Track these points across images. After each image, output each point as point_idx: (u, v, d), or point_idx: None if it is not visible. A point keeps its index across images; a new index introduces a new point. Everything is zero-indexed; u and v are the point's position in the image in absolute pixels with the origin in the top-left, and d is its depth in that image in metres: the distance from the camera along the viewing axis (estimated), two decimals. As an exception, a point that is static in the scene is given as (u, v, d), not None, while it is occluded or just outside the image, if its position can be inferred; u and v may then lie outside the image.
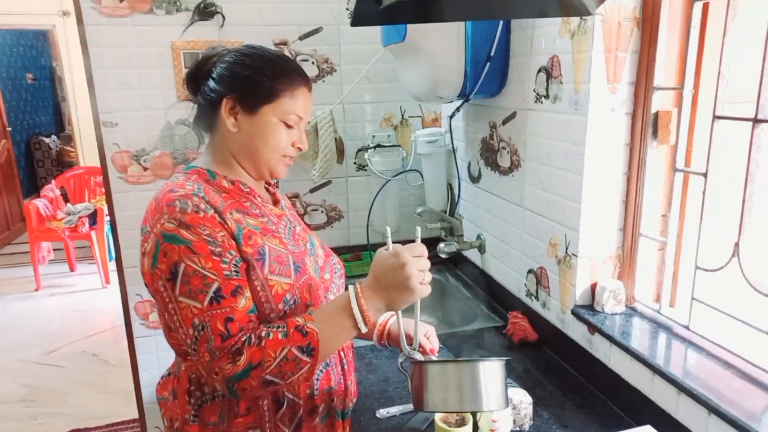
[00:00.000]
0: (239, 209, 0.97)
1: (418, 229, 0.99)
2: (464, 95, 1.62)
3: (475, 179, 1.86)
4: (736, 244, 1.03)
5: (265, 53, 1.01)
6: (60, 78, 6.34)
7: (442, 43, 1.55)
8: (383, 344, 1.18)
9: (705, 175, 1.10)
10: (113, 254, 2.00)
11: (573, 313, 1.35)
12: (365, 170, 2.09)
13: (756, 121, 0.98)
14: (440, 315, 2.00)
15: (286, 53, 1.88)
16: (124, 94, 1.83)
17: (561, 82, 1.32)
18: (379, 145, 2.03)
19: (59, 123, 7.38)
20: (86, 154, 5.71)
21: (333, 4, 1.93)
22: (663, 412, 1.08)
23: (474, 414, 1.06)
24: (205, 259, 0.88)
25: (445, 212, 2.05)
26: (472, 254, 1.93)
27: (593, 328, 1.28)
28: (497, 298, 1.77)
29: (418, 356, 1.04)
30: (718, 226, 1.10)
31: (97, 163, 1.92)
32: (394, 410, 1.24)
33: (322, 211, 2.11)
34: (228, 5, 1.85)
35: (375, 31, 1.81)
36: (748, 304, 1.02)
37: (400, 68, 1.79)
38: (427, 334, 1.16)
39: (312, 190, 2.08)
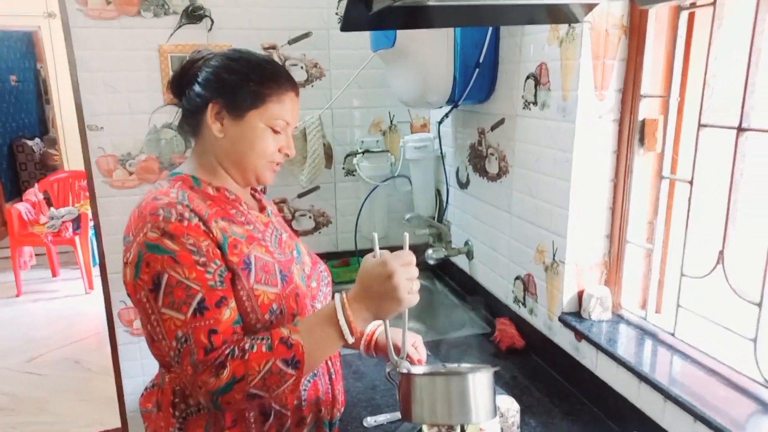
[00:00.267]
0: (225, 217, 0.96)
1: (407, 235, 0.96)
2: (453, 101, 1.62)
3: (463, 185, 1.86)
4: (721, 252, 1.04)
5: (252, 57, 1.00)
6: (44, 80, 6.26)
7: (432, 49, 1.55)
8: (370, 354, 1.17)
9: (691, 182, 1.11)
10: (97, 259, 1.97)
11: (560, 320, 1.35)
12: (353, 176, 2.08)
13: (740, 129, 0.99)
14: (428, 321, 1.99)
15: (275, 58, 1.88)
16: (110, 98, 1.81)
17: (549, 89, 1.33)
18: (367, 151, 2.03)
19: (43, 126, 7.28)
20: (70, 158, 5.63)
21: (323, 8, 1.93)
22: (649, 419, 1.08)
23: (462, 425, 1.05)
24: (188, 270, 0.86)
25: (434, 218, 2.05)
26: (460, 260, 1.93)
27: (580, 335, 1.28)
28: (485, 304, 1.76)
29: (406, 366, 1.02)
30: (703, 233, 1.11)
31: (81, 167, 1.89)
32: (382, 419, 1.23)
33: (310, 217, 2.10)
34: (217, 9, 1.83)
35: (364, 37, 1.81)
36: (732, 311, 1.03)
37: (390, 74, 1.79)
38: (414, 344, 1.15)
39: (300, 195, 2.07)
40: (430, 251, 1.88)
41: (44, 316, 4.04)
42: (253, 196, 1.11)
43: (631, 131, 1.23)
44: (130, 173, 1.88)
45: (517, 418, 1.14)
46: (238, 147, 0.98)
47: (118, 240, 1.93)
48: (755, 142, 0.99)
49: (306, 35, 1.94)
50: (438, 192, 2.06)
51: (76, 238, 4.34)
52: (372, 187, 2.00)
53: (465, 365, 1.05)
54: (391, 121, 2.10)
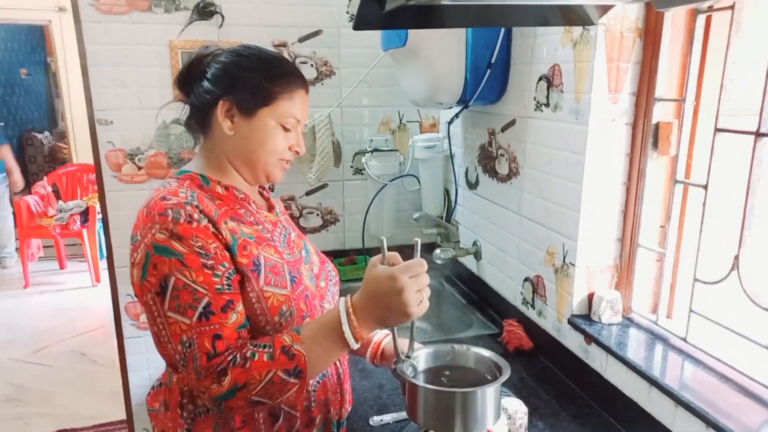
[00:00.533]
0: (234, 217, 0.94)
1: (418, 241, 0.91)
2: (464, 102, 1.61)
3: (472, 186, 1.85)
4: (736, 257, 1.03)
5: (262, 54, 0.98)
6: (54, 74, 6.28)
7: (443, 50, 1.54)
8: (376, 363, 1.14)
9: (705, 187, 1.10)
10: (104, 252, 1.97)
11: (569, 322, 1.34)
12: (362, 174, 2.08)
13: (758, 134, 0.98)
14: (435, 321, 1.99)
15: (285, 55, 1.87)
16: (120, 92, 1.81)
17: (562, 91, 1.32)
18: (376, 150, 2.03)
19: (53, 119, 7.31)
20: (79, 152, 5.64)
21: (333, 6, 1.92)
22: (660, 424, 1.07)
23: None
24: (196, 273, 0.85)
25: (442, 218, 2.04)
26: (468, 261, 1.92)
27: (590, 338, 1.27)
28: (492, 305, 1.76)
29: (412, 365, 0.99)
30: (718, 238, 1.10)
31: (90, 161, 1.89)
32: (388, 418, 1.22)
33: (317, 214, 2.10)
34: (227, 5, 1.83)
35: (375, 36, 1.80)
36: (747, 317, 1.02)
37: (400, 73, 1.78)
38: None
39: (308, 193, 2.07)
40: (437, 251, 1.87)
41: (51, 308, 4.06)
42: (261, 194, 1.10)
43: (645, 134, 1.22)
44: (139, 168, 1.89)
45: (524, 420, 1.13)
46: (248, 145, 0.97)
47: (125, 234, 1.94)
48: (773, 147, 0.98)
49: (316, 33, 1.93)
50: (447, 192, 2.05)
51: (84, 231, 4.36)
52: (380, 185, 2.00)
53: (475, 350, 1.04)
54: (401, 121, 2.10)
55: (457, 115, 1.83)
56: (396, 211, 2.11)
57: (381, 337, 1.14)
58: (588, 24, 1.07)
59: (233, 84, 0.94)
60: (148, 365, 2.00)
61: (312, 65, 1.96)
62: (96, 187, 1.92)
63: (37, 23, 5.81)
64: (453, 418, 0.91)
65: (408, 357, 0.98)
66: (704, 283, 1.11)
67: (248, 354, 0.85)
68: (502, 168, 1.63)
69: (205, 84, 0.96)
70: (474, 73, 1.56)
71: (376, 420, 1.22)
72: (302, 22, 1.92)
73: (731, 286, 1.04)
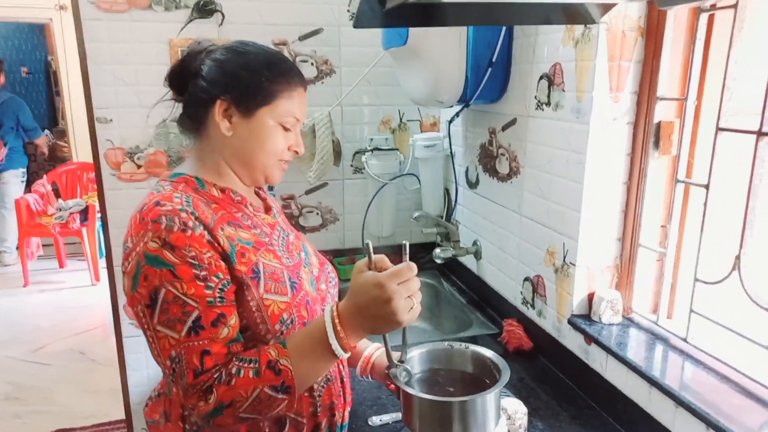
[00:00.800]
0: (231, 221, 0.91)
1: (406, 244, 0.86)
2: (464, 100, 1.61)
3: (472, 185, 1.85)
4: (737, 257, 1.02)
5: (260, 51, 0.95)
6: (55, 72, 6.28)
7: (444, 48, 1.54)
8: (365, 377, 1.12)
9: (707, 186, 1.10)
10: (104, 251, 1.97)
11: (569, 322, 1.34)
12: (362, 173, 2.07)
13: (760, 134, 0.97)
14: (434, 321, 1.98)
15: (286, 54, 1.87)
16: (119, 91, 1.81)
17: (563, 90, 1.31)
18: (376, 149, 2.02)
19: (53, 117, 7.31)
20: (79, 150, 5.64)
21: (334, 5, 1.92)
22: (660, 425, 1.07)
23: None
24: (187, 285, 0.81)
25: (442, 217, 2.03)
26: (468, 260, 1.92)
27: (590, 338, 1.27)
28: (492, 305, 1.75)
29: (405, 371, 0.95)
30: (719, 238, 1.09)
31: (90, 159, 1.89)
32: (387, 418, 1.22)
33: (317, 213, 2.09)
34: (228, 3, 1.83)
35: (376, 34, 1.79)
36: (747, 317, 1.02)
37: (401, 72, 1.78)
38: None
39: (307, 192, 2.06)
40: (437, 250, 1.87)
41: (50, 307, 4.06)
42: (257, 195, 1.07)
43: (646, 134, 1.21)
44: (139, 166, 1.88)
45: (524, 421, 1.13)
46: (247, 146, 0.93)
47: (124, 232, 1.95)
48: (775, 147, 0.97)
49: (317, 32, 1.93)
50: (447, 191, 2.05)
51: (84, 230, 4.36)
52: (380, 185, 1.99)
53: (473, 348, 1.02)
54: (401, 119, 2.09)
55: (457, 114, 1.82)
56: (396, 210, 2.10)
57: (372, 350, 1.11)
58: (590, 22, 1.07)
59: (232, 83, 0.91)
60: (147, 364, 2.00)
61: (312, 64, 1.95)
62: (95, 186, 1.92)
63: (38, 21, 5.80)
64: (451, 428, 0.89)
65: (401, 362, 0.94)
66: (705, 283, 1.10)
67: (233, 371, 0.81)
68: (503, 167, 1.63)
69: (201, 82, 0.92)
70: (475, 71, 1.55)
71: (375, 420, 1.21)
72: (303, 21, 1.91)
73: (732, 287, 1.03)
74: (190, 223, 0.84)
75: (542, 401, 1.29)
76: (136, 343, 1.98)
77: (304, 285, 0.96)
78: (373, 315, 0.81)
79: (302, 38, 1.92)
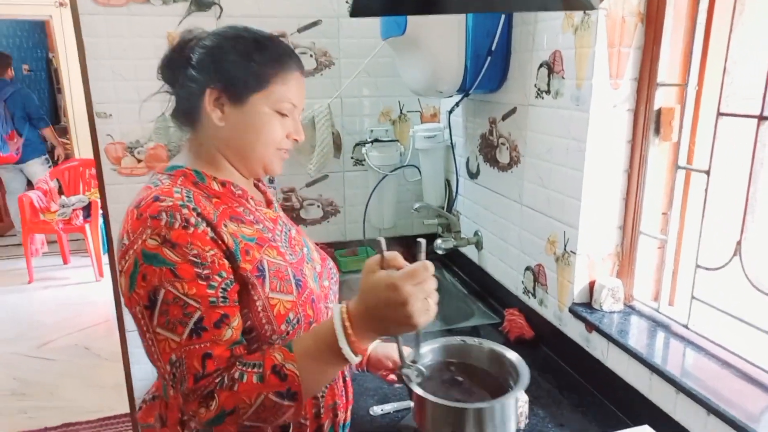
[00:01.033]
0: (233, 216, 0.87)
1: (422, 242, 0.79)
2: (464, 90, 1.60)
3: (473, 175, 1.84)
4: (738, 243, 1.02)
5: (250, 35, 0.90)
6: (56, 69, 6.29)
7: (443, 37, 1.53)
8: (361, 370, 1.10)
9: (707, 172, 1.09)
10: (107, 247, 1.98)
11: (570, 311, 1.33)
12: (362, 165, 2.07)
13: (761, 118, 0.96)
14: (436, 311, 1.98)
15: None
16: (118, 85, 1.81)
17: (563, 78, 1.30)
18: (376, 140, 2.02)
19: (55, 115, 7.32)
20: (81, 146, 5.66)
21: (332, -4, 1.91)
22: (661, 411, 1.06)
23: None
24: (188, 284, 0.77)
25: (443, 208, 2.03)
26: (470, 251, 1.92)
27: (591, 327, 1.27)
28: (494, 295, 1.75)
29: (418, 371, 0.91)
30: (720, 224, 1.09)
31: (92, 156, 1.89)
32: (389, 407, 1.22)
33: (318, 206, 2.09)
34: (226, -5, 1.82)
35: (374, 25, 1.79)
36: (749, 303, 1.01)
37: (400, 62, 1.77)
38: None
39: (308, 185, 2.06)
40: (438, 241, 1.86)
41: (55, 303, 4.08)
42: (257, 188, 1.03)
43: (647, 120, 1.20)
44: (139, 161, 1.88)
45: (525, 409, 1.13)
46: (242, 135, 0.89)
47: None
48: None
49: (315, 23, 1.92)
50: (447, 182, 2.05)
51: (87, 226, 4.37)
52: (381, 176, 1.99)
53: (488, 345, 0.97)
54: (401, 111, 2.09)
55: (457, 104, 1.82)
56: (397, 201, 2.10)
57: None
58: (588, 8, 1.05)
59: (220, 69, 0.86)
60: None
61: (311, 55, 1.94)
62: (97, 182, 1.92)
63: (38, 18, 5.80)
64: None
65: (414, 362, 0.90)
66: (706, 269, 1.10)
67: (236, 375, 0.77)
68: (503, 157, 1.62)
69: (190, 72, 0.87)
70: (474, 61, 1.54)
71: (376, 410, 1.22)
72: (301, 13, 1.90)
73: (733, 272, 1.03)
74: (192, 220, 0.80)
75: (543, 389, 1.29)
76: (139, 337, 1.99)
77: (309, 282, 0.93)
78: (386, 318, 0.75)
79: (301, 30, 1.91)
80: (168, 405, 0.91)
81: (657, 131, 1.20)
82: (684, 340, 1.14)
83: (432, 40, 1.53)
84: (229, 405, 0.76)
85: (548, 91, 1.37)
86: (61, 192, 4.77)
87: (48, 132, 5.13)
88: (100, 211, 4.33)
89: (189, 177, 0.89)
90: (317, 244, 1.14)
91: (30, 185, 4.99)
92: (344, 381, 1.04)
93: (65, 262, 4.80)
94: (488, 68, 1.54)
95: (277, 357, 0.78)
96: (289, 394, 0.77)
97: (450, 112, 1.88)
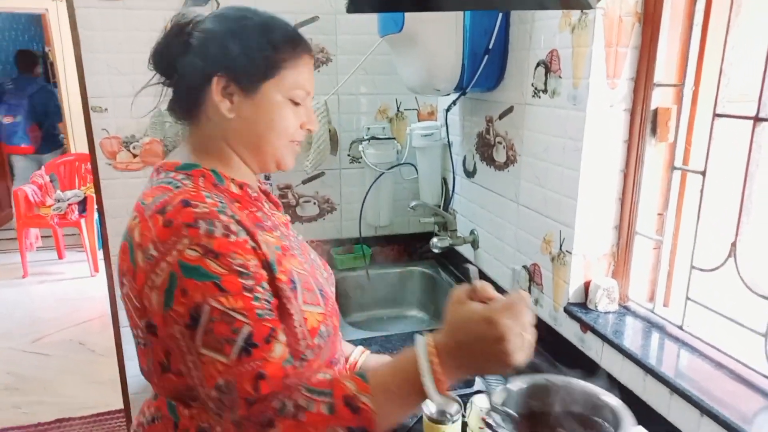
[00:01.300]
0: (257, 223, 0.80)
1: (474, 269, 0.74)
2: (461, 88, 1.60)
3: (470, 174, 1.84)
4: (733, 244, 1.02)
5: (257, 17, 0.83)
6: (52, 63, 6.25)
7: (440, 35, 1.52)
8: None
9: (703, 173, 1.09)
10: (102, 242, 1.97)
11: (565, 310, 1.33)
12: (359, 162, 2.06)
13: (757, 119, 0.96)
14: (431, 310, 1.98)
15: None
16: (114, 79, 1.80)
17: (560, 77, 1.30)
18: (373, 138, 2.01)
19: (51, 109, 7.28)
20: (77, 141, 5.64)
21: (330, -8, 1.90)
22: (654, 412, 1.07)
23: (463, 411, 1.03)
24: (234, 298, 0.69)
25: (439, 207, 2.03)
26: (465, 249, 1.91)
27: (586, 327, 1.27)
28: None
29: (507, 421, 0.80)
30: (715, 225, 1.09)
31: (87, 150, 1.88)
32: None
33: (314, 203, 2.09)
34: (223, -10, 1.81)
35: (372, 22, 1.78)
36: (743, 304, 1.01)
37: (397, 60, 1.76)
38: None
39: (304, 182, 2.06)
40: (434, 240, 1.86)
41: (50, 298, 4.07)
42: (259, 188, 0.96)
43: (643, 121, 1.20)
44: (134, 156, 1.87)
45: (519, 409, 1.12)
46: (253, 128, 0.82)
47: (121, 222, 1.93)
48: (772, 132, 0.96)
49: (313, 19, 1.91)
50: (444, 181, 2.04)
51: (82, 221, 4.36)
52: (377, 174, 1.98)
53: (578, 384, 0.86)
54: (398, 108, 2.08)
55: (454, 103, 1.81)
56: (393, 199, 2.09)
57: (357, 356, 1.03)
58: (586, 8, 1.05)
59: (228, 56, 0.79)
60: (144, 354, 2.00)
61: (308, 52, 1.93)
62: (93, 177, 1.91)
63: (34, 12, 5.77)
64: None
65: (503, 405, 0.82)
66: (701, 270, 1.10)
67: (302, 403, 0.68)
68: (500, 156, 1.62)
69: (192, 59, 0.80)
70: (471, 59, 1.54)
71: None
72: (298, 9, 1.89)
73: (728, 274, 1.03)
74: (233, 227, 0.72)
75: (538, 389, 1.28)
76: (134, 333, 1.98)
77: (328, 291, 0.88)
78: (479, 354, 0.67)
79: (298, 26, 1.88)
80: (178, 428, 0.80)
81: (653, 131, 1.20)
82: (678, 341, 1.14)
83: (429, 38, 1.53)
84: None
85: (545, 90, 1.36)
86: (56, 186, 4.75)
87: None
88: (96, 206, 4.31)
89: (208, 178, 0.81)
90: (312, 242, 1.12)
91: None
92: None
93: (60, 256, 4.78)
94: (485, 67, 1.54)
95: (349, 387, 0.69)
96: (361, 431, 0.68)
97: (447, 110, 1.87)
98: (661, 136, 1.19)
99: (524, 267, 1.53)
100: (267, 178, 1.99)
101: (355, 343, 1.19)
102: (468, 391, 1.18)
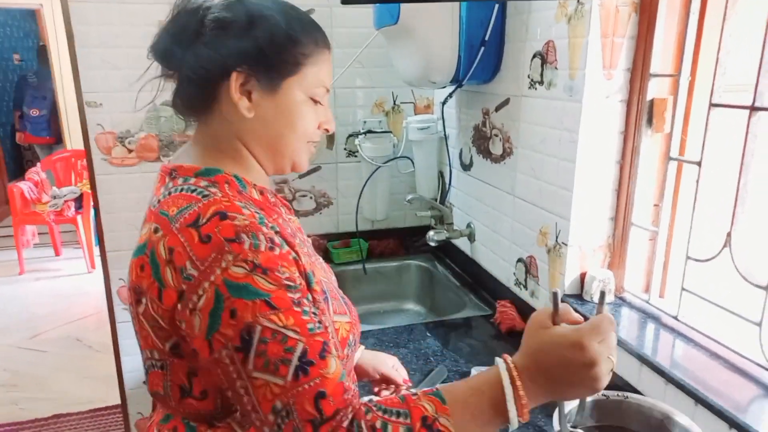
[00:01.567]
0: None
1: (558, 293, 0.69)
2: (457, 81, 1.59)
3: (466, 167, 1.84)
4: (729, 234, 1.02)
5: (275, 5, 0.76)
6: (48, 59, 6.23)
7: (436, 27, 1.52)
8: None
9: (699, 164, 1.09)
10: (99, 239, 1.96)
11: (562, 302, 1.33)
12: (355, 156, 2.06)
13: (753, 108, 0.96)
14: (428, 303, 1.98)
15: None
16: (108, 74, 1.78)
17: (556, 68, 1.30)
18: (370, 131, 2.00)
19: (46, 105, 7.25)
20: (73, 137, 5.63)
21: (325, -15, 1.89)
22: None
23: None
24: (285, 314, 0.64)
25: (436, 200, 2.03)
26: (462, 243, 1.91)
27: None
28: (486, 286, 1.75)
29: None
30: (711, 215, 1.09)
31: (82, 146, 1.87)
32: (377, 400, 1.22)
33: (310, 197, 2.08)
34: (217, -17, 1.80)
35: (368, 14, 1.77)
36: (738, 294, 1.01)
37: (393, 52, 1.76)
38: (395, 366, 1.07)
39: (301, 176, 2.05)
40: (431, 233, 1.86)
41: (46, 295, 4.06)
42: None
43: (639, 111, 1.20)
44: (130, 151, 1.86)
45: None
46: (273, 127, 0.76)
47: (116, 218, 1.94)
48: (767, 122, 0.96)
49: (308, 12, 1.90)
50: (441, 174, 2.04)
51: (78, 218, 4.34)
52: (374, 168, 1.98)
53: (653, 403, 0.85)
54: (395, 102, 2.07)
55: (450, 95, 1.81)
56: (390, 193, 2.09)
57: (358, 356, 1.03)
58: (582, -3, 1.05)
59: (248, 49, 0.72)
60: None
61: (304, 45, 1.92)
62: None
63: (29, 7, 5.74)
64: None
65: (575, 427, 0.81)
66: (696, 260, 1.10)
67: (378, 425, 0.63)
68: (496, 148, 1.62)
69: (204, 51, 0.72)
70: (468, 51, 1.53)
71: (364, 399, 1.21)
72: (294, 2, 1.87)
73: (723, 264, 1.03)
74: (277, 239, 0.68)
75: (534, 381, 1.29)
76: (131, 328, 1.94)
77: (348, 298, 0.85)
78: (565, 380, 0.64)
79: (293, 19, 1.89)
80: None
81: (649, 122, 1.20)
82: (674, 332, 1.14)
83: (425, 30, 1.52)
84: None
85: (541, 82, 1.36)
86: (52, 183, 4.73)
87: None
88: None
89: (233, 185, 0.74)
90: (309, 237, 1.11)
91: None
92: None
93: (57, 253, 4.77)
94: (482, 58, 1.54)
95: (426, 408, 0.65)
96: None
97: (443, 103, 1.86)
98: (657, 126, 1.19)
99: (520, 259, 1.53)
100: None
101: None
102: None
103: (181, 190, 0.72)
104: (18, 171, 6.50)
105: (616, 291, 1.30)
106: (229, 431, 0.74)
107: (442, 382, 1.25)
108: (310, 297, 0.69)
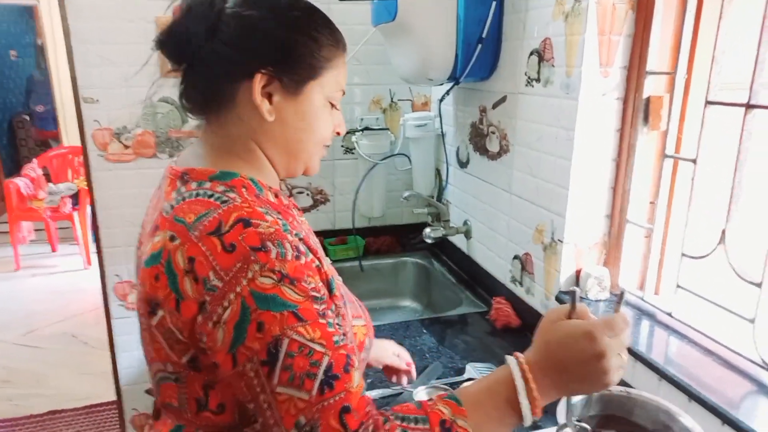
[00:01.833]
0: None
1: (576, 290, 0.69)
2: (454, 78, 1.59)
3: (463, 164, 1.84)
4: (723, 231, 1.02)
5: (302, 4, 0.74)
6: (44, 55, 6.21)
7: (433, 24, 1.52)
8: None
9: (694, 161, 1.09)
10: (95, 235, 1.96)
11: (557, 299, 1.34)
12: (353, 153, 2.06)
13: (748, 106, 0.96)
14: (424, 300, 1.99)
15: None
16: (105, 70, 1.78)
17: (553, 66, 1.30)
18: (367, 128, 2.01)
19: (43, 101, 7.23)
20: (70, 134, 5.60)
21: (323, -19, 1.88)
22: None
23: None
24: (311, 326, 0.62)
25: (432, 197, 2.03)
26: (458, 240, 1.92)
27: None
28: (482, 283, 1.75)
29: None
30: (706, 213, 1.09)
31: (79, 143, 1.87)
32: (375, 394, 1.22)
33: (307, 194, 2.08)
34: (214, -21, 1.79)
35: (365, 11, 1.77)
36: (732, 291, 1.02)
37: (390, 49, 1.76)
38: (395, 353, 1.09)
39: (298, 173, 2.05)
40: (428, 230, 1.86)
41: (42, 291, 4.05)
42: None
43: (636, 109, 1.20)
44: (126, 147, 1.86)
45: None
46: (292, 131, 0.74)
47: (113, 214, 1.94)
48: (763, 120, 0.96)
49: (306, 8, 1.90)
50: (438, 171, 2.04)
51: (75, 214, 4.34)
52: (371, 165, 1.98)
53: (657, 401, 0.84)
54: (392, 99, 2.08)
55: (448, 93, 1.81)
56: (387, 190, 2.09)
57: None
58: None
59: (272, 49, 0.70)
60: (137, 346, 1.99)
61: (301, 42, 1.92)
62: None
63: (26, 3, 5.72)
64: None
65: (579, 421, 0.78)
66: (691, 257, 1.10)
67: None
68: (493, 145, 1.62)
69: (222, 49, 0.69)
70: (465, 48, 1.53)
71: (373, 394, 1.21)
72: (291, -2, 1.88)
73: (718, 261, 1.03)
74: (302, 248, 0.66)
75: (529, 377, 1.29)
76: (126, 324, 1.98)
77: (361, 301, 0.86)
78: (575, 372, 0.64)
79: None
80: None
81: (645, 120, 1.20)
82: (668, 329, 1.15)
83: (423, 27, 1.52)
84: None
85: (538, 79, 1.36)
86: (48, 179, 4.72)
87: None
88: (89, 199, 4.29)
89: (250, 189, 0.71)
90: None
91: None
92: None
93: (53, 250, 4.76)
94: (479, 56, 1.54)
95: (443, 411, 0.65)
96: None
97: (441, 100, 1.87)
98: (653, 124, 1.19)
99: (516, 257, 1.53)
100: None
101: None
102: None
103: (197, 195, 0.68)
104: (14, 168, 6.49)
105: (612, 288, 1.31)
106: None
107: (437, 379, 1.25)
108: (333, 307, 0.68)
